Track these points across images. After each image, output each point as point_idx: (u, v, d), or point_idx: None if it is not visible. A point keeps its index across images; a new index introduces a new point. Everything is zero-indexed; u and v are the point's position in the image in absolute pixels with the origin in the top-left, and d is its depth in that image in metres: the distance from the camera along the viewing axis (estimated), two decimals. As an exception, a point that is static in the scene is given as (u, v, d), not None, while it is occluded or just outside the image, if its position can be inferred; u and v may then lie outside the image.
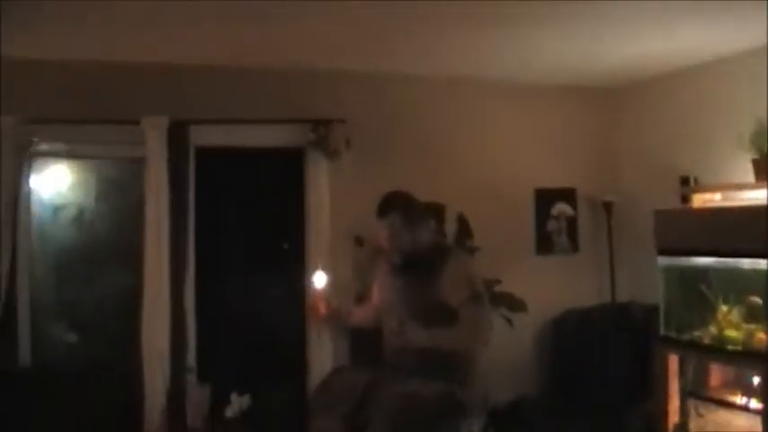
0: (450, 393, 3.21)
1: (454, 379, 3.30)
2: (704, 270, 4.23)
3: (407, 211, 3.58)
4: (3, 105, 4.18)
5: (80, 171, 4.86)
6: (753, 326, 3.98)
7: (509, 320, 4.76)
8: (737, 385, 4.24)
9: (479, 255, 4.75)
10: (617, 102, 5.76)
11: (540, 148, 5.55)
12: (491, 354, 3.62)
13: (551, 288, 5.38)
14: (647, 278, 4.83)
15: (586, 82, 5.55)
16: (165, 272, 4.44)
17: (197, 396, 4.34)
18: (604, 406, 4.68)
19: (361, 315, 4.16)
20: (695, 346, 4.23)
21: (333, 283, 4.39)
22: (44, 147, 4.50)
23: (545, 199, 5.56)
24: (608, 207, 5.49)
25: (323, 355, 4.74)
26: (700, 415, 4.30)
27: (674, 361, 4.34)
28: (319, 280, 4.29)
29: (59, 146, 4.54)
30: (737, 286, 4.08)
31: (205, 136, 4.62)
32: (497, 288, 4.77)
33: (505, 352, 4.47)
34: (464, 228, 4.96)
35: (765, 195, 3.95)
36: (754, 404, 4.02)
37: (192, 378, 4.52)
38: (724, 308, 4.14)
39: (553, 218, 5.57)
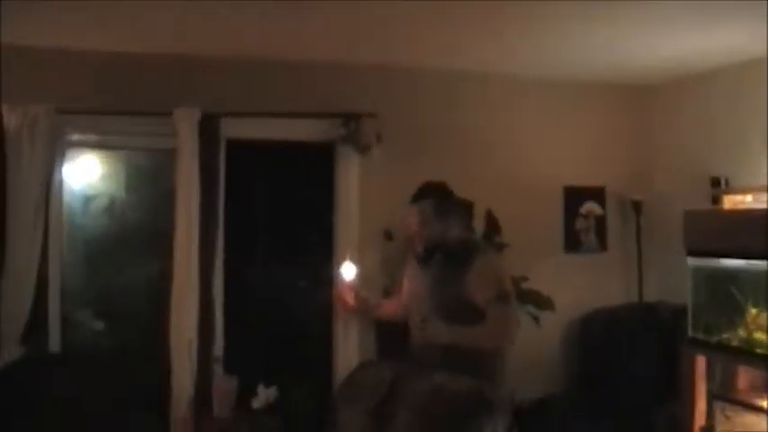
0: (479, 390, 3.19)
1: (481, 376, 3.29)
2: (734, 272, 4.16)
3: (441, 200, 3.58)
4: (35, 94, 4.23)
5: (111, 161, 4.89)
6: (782, 329, 3.94)
7: (536, 318, 4.74)
8: (765, 389, 4.18)
9: (507, 251, 4.74)
10: (650, 100, 5.69)
11: (571, 146, 5.50)
12: (517, 351, 3.63)
13: (579, 286, 5.34)
14: (675, 279, 4.77)
15: (620, 80, 5.49)
16: (194, 262, 4.46)
17: (224, 386, 4.36)
18: (631, 406, 4.65)
19: (388, 308, 4.17)
20: (723, 348, 4.18)
21: (360, 277, 4.43)
22: (76, 137, 4.55)
23: (574, 197, 5.52)
24: (637, 206, 5.45)
25: (349, 348, 4.74)
26: (726, 417, 4.25)
27: (701, 363, 4.29)
28: (348, 271, 4.32)
29: (91, 136, 4.59)
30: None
31: (236, 129, 4.64)
32: (524, 285, 4.75)
33: (532, 350, 4.46)
34: (492, 224, 4.94)
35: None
36: (782, 408, 3.98)
37: (218, 368, 4.56)
38: (753, 311, 4.07)
39: (582, 216, 5.53)
